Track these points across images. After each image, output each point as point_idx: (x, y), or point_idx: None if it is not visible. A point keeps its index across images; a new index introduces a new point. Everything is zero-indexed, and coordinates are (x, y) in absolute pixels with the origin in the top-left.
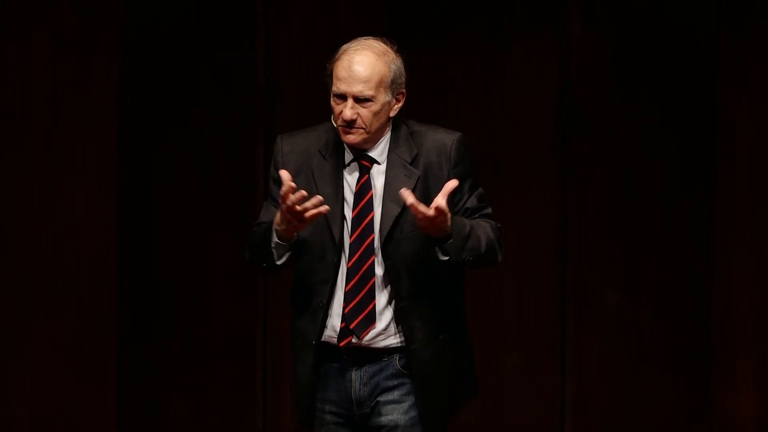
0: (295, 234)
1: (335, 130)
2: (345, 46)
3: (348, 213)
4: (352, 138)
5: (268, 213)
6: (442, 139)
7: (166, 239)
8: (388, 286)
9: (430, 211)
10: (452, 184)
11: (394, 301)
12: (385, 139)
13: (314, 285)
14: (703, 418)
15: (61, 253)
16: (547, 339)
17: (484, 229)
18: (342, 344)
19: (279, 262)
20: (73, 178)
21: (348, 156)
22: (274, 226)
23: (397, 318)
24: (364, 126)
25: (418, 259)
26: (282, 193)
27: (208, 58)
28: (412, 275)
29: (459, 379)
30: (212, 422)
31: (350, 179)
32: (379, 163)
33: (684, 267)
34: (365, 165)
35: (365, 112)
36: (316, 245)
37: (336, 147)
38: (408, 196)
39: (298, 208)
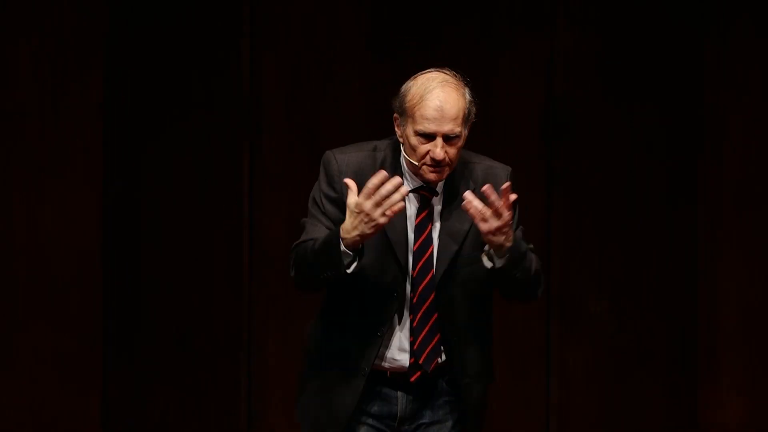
0: (361, 244)
1: (390, 151)
2: (423, 82)
3: (409, 245)
4: (437, 177)
5: (316, 230)
6: (496, 171)
7: (151, 246)
8: (442, 321)
9: (504, 210)
10: (484, 189)
11: (445, 336)
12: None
13: (372, 310)
14: (688, 425)
15: (47, 259)
16: (532, 346)
17: (534, 259)
18: (413, 379)
19: (350, 270)
20: (58, 186)
21: (407, 183)
22: (342, 234)
23: (449, 354)
24: (449, 163)
25: (469, 297)
26: (366, 190)
27: (193, 67)
28: (463, 311)
29: (484, 412)
30: (198, 427)
31: (409, 209)
32: (437, 194)
33: (669, 273)
34: (426, 196)
35: (451, 151)
36: (378, 272)
37: (392, 170)
38: (472, 200)
39: (378, 199)
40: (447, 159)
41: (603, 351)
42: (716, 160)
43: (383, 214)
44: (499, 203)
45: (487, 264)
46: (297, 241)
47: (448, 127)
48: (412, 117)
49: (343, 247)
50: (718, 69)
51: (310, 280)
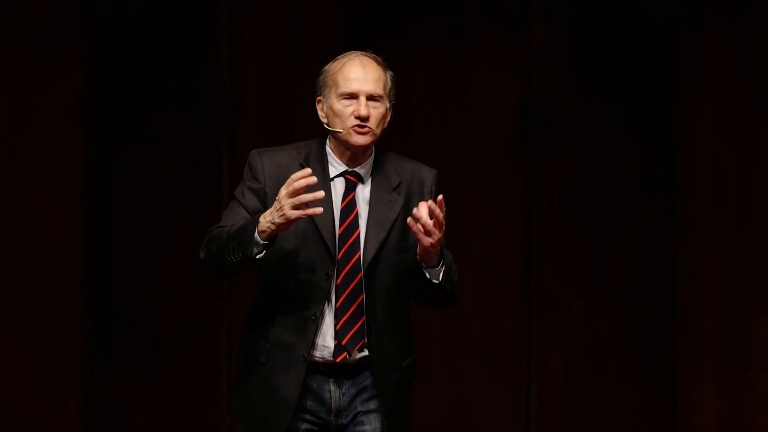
0: (274, 235)
1: (315, 145)
2: (342, 56)
3: (336, 227)
4: (363, 139)
5: (231, 217)
6: (423, 173)
7: (130, 245)
8: (367, 307)
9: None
10: (428, 204)
11: (370, 322)
12: (370, 160)
13: (304, 298)
14: (667, 426)
15: (25, 258)
16: (511, 347)
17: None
18: (338, 360)
19: (258, 256)
20: (37, 185)
21: (333, 170)
22: (260, 221)
23: (369, 338)
24: (373, 127)
25: (394, 284)
26: (296, 176)
27: (171, 63)
28: (387, 299)
29: (408, 408)
30: (178, 427)
31: (334, 193)
32: (363, 183)
33: (648, 274)
34: (352, 180)
35: (375, 112)
36: (306, 256)
37: (318, 160)
38: (423, 210)
39: (291, 190)
40: (370, 120)
41: (582, 351)
42: (691, 159)
43: (293, 207)
44: (441, 217)
45: (434, 281)
46: (212, 227)
47: (370, 87)
48: (335, 84)
49: (256, 235)
50: (691, 66)
51: (217, 260)
